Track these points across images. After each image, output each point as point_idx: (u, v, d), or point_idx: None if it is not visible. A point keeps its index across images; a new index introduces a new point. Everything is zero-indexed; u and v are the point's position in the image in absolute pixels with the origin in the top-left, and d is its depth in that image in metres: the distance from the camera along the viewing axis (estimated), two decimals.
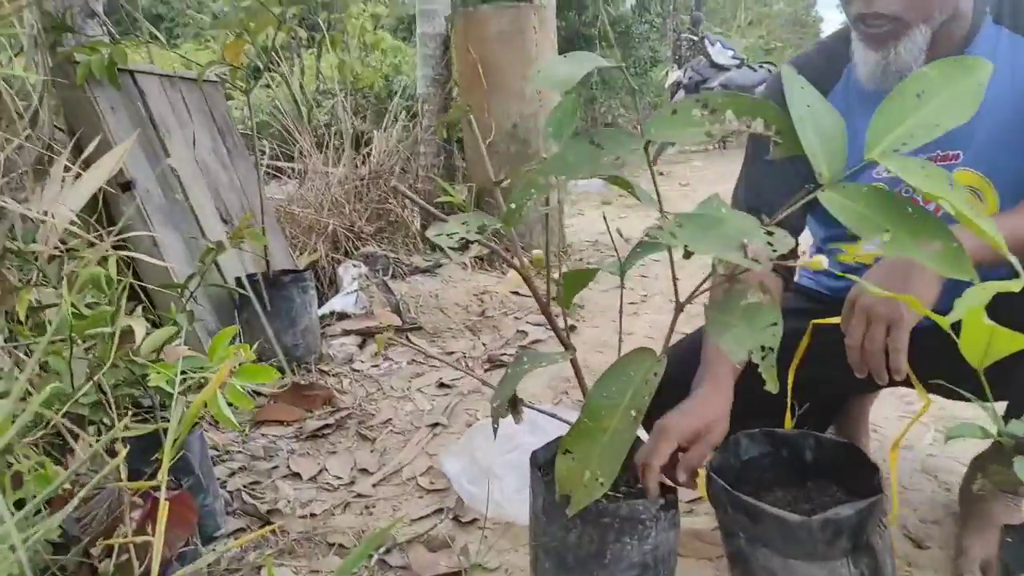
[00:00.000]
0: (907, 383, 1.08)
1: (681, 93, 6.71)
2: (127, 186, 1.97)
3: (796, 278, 1.46)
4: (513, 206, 0.79)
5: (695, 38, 7.40)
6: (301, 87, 6.15)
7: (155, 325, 1.63)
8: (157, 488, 0.95)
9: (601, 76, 9.07)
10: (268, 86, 5.37)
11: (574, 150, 0.74)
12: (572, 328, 2.38)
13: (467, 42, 3.12)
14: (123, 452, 0.89)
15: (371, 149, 3.33)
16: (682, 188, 5.54)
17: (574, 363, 1.02)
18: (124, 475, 0.92)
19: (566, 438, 0.85)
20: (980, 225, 0.68)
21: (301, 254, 2.70)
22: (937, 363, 1.06)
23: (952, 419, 1.66)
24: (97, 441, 0.91)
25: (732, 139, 7.62)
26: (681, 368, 1.26)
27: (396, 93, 4.28)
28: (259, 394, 1.93)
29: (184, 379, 1.05)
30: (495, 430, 0.93)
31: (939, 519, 1.30)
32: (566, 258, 3.23)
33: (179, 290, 1.55)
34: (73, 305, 1.24)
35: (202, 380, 1.18)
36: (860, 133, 0.76)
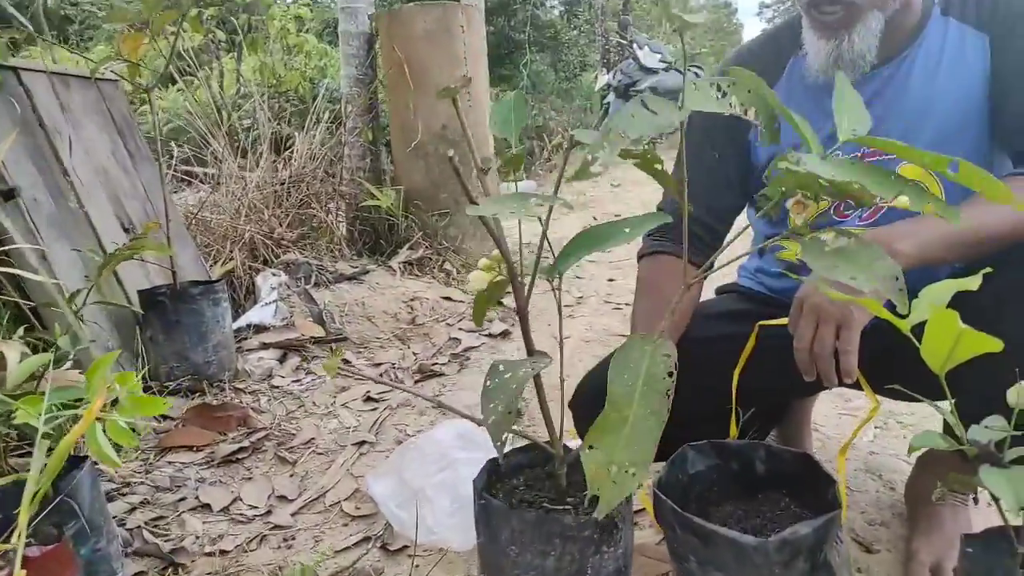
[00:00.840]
0: (855, 385, 1.04)
1: (611, 96, 6.72)
2: (9, 194, 1.77)
3: (735, 279, 1.41)
4: (567, 168, 0.74)
5: (624, 42, 7.45)
6: (220, 90, 5.89)
7: (45, 350, 1.46)
8: (30, 545, 0.81)
9: (531, 80, 9.07)
10: (182, 90, 5.11)
11: (637, 111, 0.72)
12: (506, 334, 2.29)
13: (392, 41, 3.00)
14: None
15: (292, 152, 3.17)
16: (614, 189, 5.54)
17: (536, 379, 0.93)
18: None
19: (589, 434, 0.77)
20: (943, 209, 0.65)
21: (215, 263, 2.52)
22: (886, 363, 1.01)
23: (890, 414, 1.65)
24: None
25: (661, 140, 7.70)
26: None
27: (319, 96, 4.12)
28: (166, 417, 1.77)
29: (62, 413, 0.91)
30: (500, 450, 0.82)
31: (886, 520, 1.26)
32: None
33: (64, 309, 1.38)
34: None
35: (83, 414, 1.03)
36: (791, 129, 0.73)
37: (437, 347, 2.22)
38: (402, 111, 3.03)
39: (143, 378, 1.88)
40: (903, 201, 0.68)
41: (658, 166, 0.80)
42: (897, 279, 0.67)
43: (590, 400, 1.16)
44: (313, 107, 3.55)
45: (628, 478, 0.76)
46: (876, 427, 1.60)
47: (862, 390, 1.08)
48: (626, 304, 2.59)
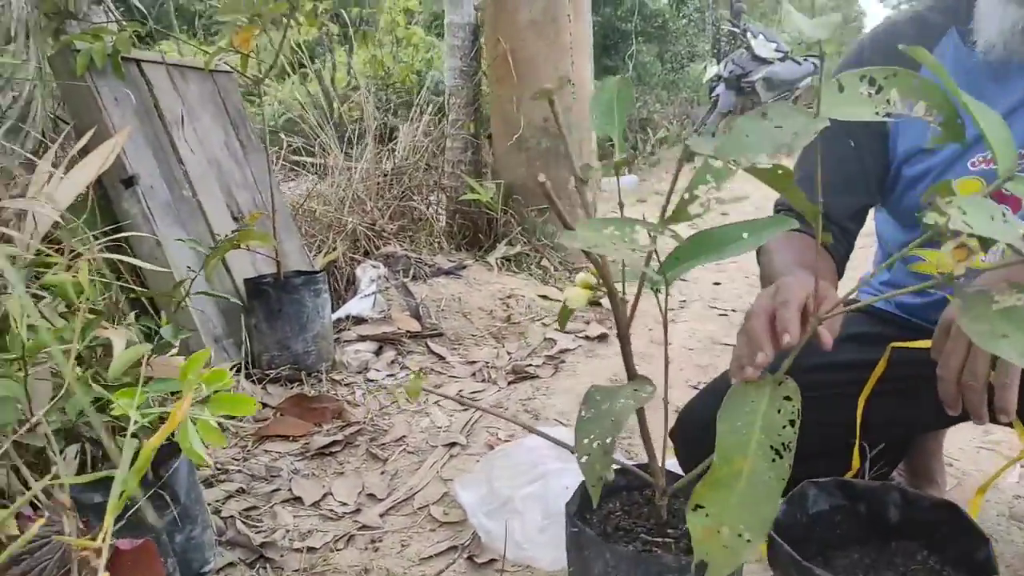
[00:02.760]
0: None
1: (721, 87, 6.45)
2: (129, 182, 1.84)
3: (858, 293, 1.27)
4: (687, 196, 0.65)
5: (736, 30, 7.14)
6: (332, 83, 6.06)
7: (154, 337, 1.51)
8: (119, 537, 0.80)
9: (636, 71, 8.86)
10: (296, 83, 5.29)
11: (751, 127, 0.62)
12: (603, 337, 2.20)
13: (497, 31, 2.95)
14: (66, 500, 0.74)
15: (396, 143, 3.19)
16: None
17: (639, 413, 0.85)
18: (71, 527, 0.78)
19: (697, 490, 0.69)
20: None
21: (318, 253, 2.56)
22: None
23: None
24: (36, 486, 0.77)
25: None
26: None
27: (425, 87, 4.14)
28: (266, 405, 1.80)
29: (152, 411, 0.91)
30: (595, 493, 0.75)
31: None
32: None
33: (171, 298, 1.41)
34: (46, 318, 1.11)
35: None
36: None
37: (532, 347, 2.16)
38: (505, 104, 2.98)
39: (246, 364, 1.92)
40: None
41: (790, 183, 0.69)
42: None
43: (695, 431, 1.06)
44: (418, 99, 3.57)
45: (742, 543, 0.66)
46: (1023, 465, 1.42)
47: (1011, 427, 0.94)
48: (732, 310, 2.45)
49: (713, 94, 6.65)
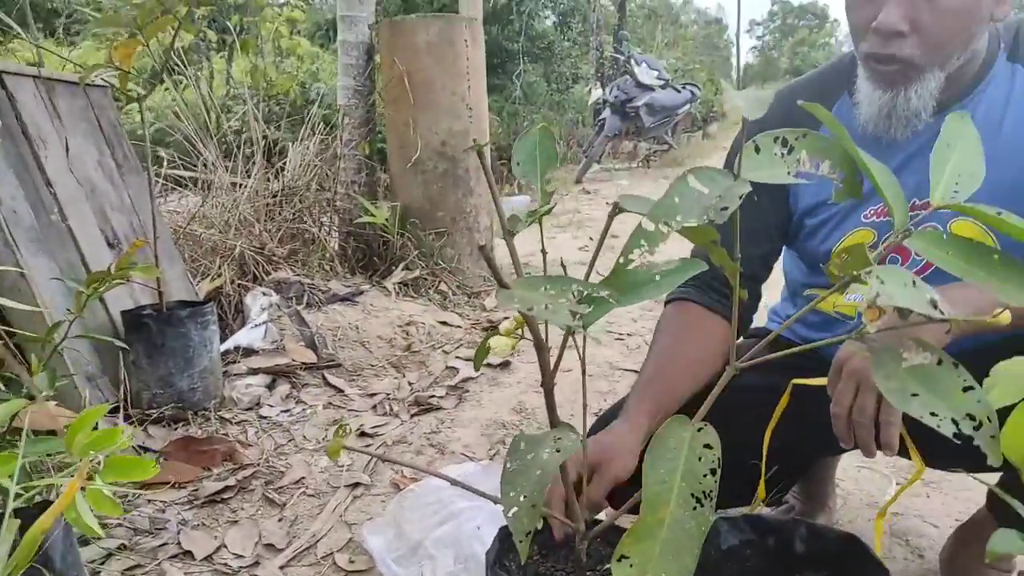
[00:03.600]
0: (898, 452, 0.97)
1: (607, 111, 6.68)
2: None
3: (762, 324, 1.34)
4: (622, 260, 0.65)
5: (621, 57, 7.41)
6: (209, 92, 5.77)
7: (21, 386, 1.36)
8: None
9: (523, 91, 9.02)
10: (169, 90, 4.99)
11: (680, 193, 0.64)
12: (506, 365, 2.21)
13: (393, 53, 2.92)
14: None
15: (285, 162, 3.07)
16: (608, 205, 5.48)
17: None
18: None
19: (623, 541, 0.69)
20: None
21: (203, 279, 2.42)
22: (931, 431, 0.94)
23: (911, 468, 1.58)
24: None
25: (656, 158, 7.66)
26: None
27: (314, 102, 4.01)
28: (147, 450, 1.67)
29: (33, 484, 0.81)
30: (523, 549, 0.73)
31: None
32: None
33: (41, 343, 1.28)
34: None
35: (61, 465, 0.94)
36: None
37: (434, 377, 2.13)
38: (401, 126, 2.95)
39: (124, 404, 1.78)
40: (1004, 318, 0.61)
41: (714, 240, 0.71)
42: (990, 420, 0.57)
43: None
44: (308, 115, 3.46)
45: None
46: (897, 482, 1.53)
47: (903, 458, 1.01)
48: (628, 334, 2.52)
49: (599, 118, 6.88)
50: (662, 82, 6.68)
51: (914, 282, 0.59)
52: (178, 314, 1.86)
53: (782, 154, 0.69)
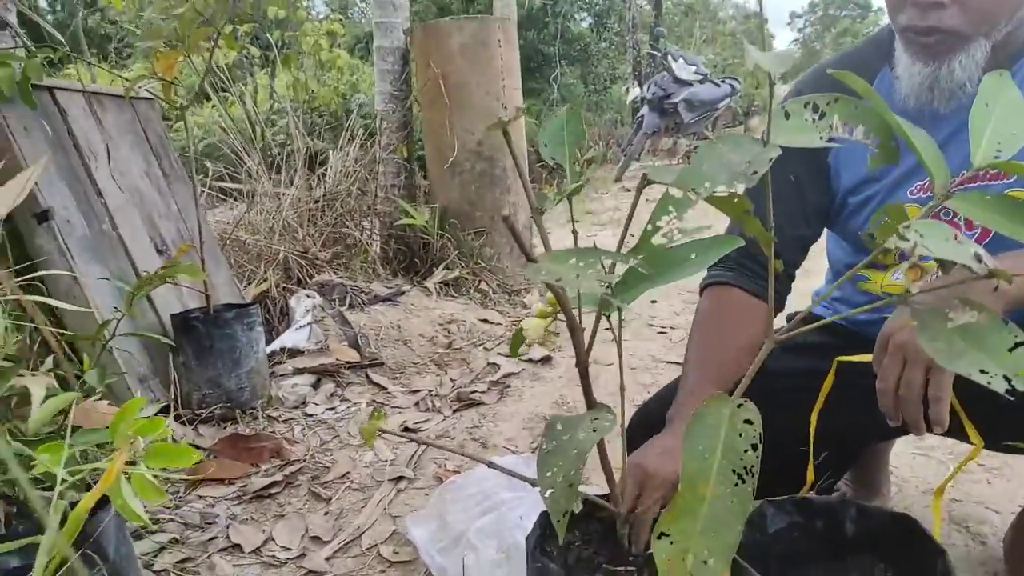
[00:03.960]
0: (948, 432, 0.93)
1: (645, 108, 6.62)
2: (43, 216, 1.73)
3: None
4: (650, 228, 0.64)
5: (657, 54, 7.35)
6: (255, 106, 5.92)
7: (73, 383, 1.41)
8: None
9: (561, 93, 9.01)
10: (216, 107, 5.14)
11: (708, 159, 0.62)
12: (547, 360, 2.20)
13: (428, 56, 2.94)
14: None
15: (326, 169, 3.13)
16: (649, 203, 5.43)
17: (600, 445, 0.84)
18: None
19: (662, 518, 0.68)
20: None
21: (249, 284, 2.47)
22: (988, 407, 0.90)
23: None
24: None
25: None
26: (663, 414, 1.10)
27: (353, 111, 4.06)
28: (197, 448, 1.71)
29: (81, 467, 0.84)
30: (560, 528, 0.73)
31: None
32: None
33: (92, 341, 1.32)
34: None
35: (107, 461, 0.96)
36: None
37: (475, 373, 2.13)
38: (438, 128, 2.97)
39: (175, 405, 1.82)
40: None
41: (748, 211, 0.69)
42: None
43: (646, 434, 1.06)
44: (347, 123, 3.51)
45: (707, 570, 0.65)
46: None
47: (953, 437, 0.97)
48: (671, 327, 2.49)
49: (638, 115, 6.82)
50: (700, 77, 6.59)
51: (956, 236, 0.57)
52: (225, 316, 1.90)
53: (813, 119, 0.67)
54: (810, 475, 1.05)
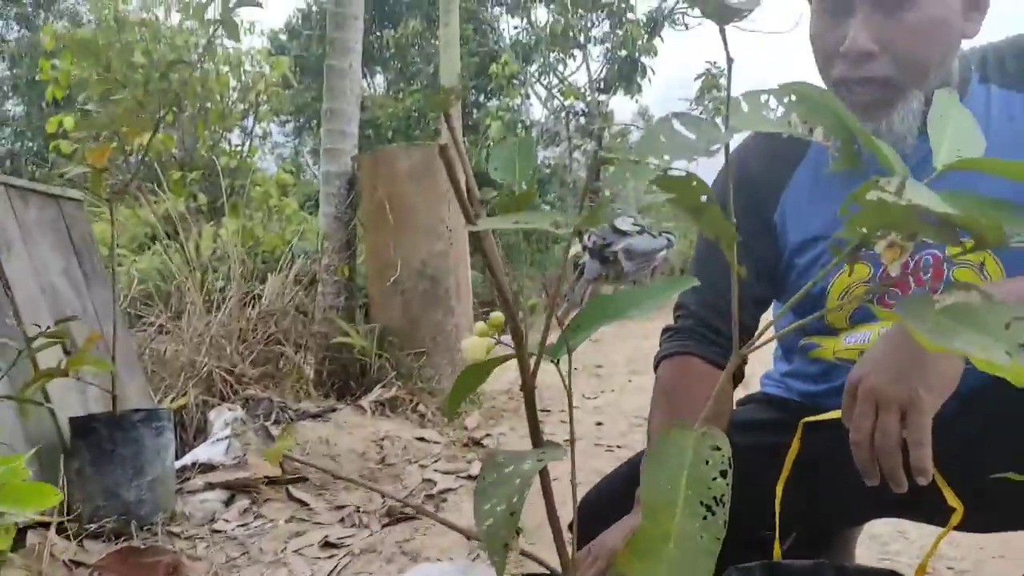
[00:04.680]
0: (921, 495, 0.84)
1: (586, 256, 6.85)
2: None
3: (760, 386, 1.25)
4: (608, 193, 0.58)
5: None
6: (196, 252, 5.85)
7: None
8: None
9: (504, 250, 9.29)
10: (156, 253, 5.06)
11: (666, 133, 0.58)
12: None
13: (375, 180, 2.99)
14: None
15: (263, 290, 3.04)
16: (593, 342, 5.44)
17: (543, 479, 0.73)
18: None
19: (618, 558, 0.56)
20: None
21: (165, 398, 2.28)
22: (965, 463, 0.83)
23: (939, 558, 1.41)
24: None
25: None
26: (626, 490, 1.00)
27: (295, 257, 3.93)
28: (79, 564, 1.47)
29: None
30: (500, 566, 0.60)
31: None
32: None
33: None
34: None
35: None
36: (827, 210, 0.60)
37: (409, 489, 1.96)
38: (381, 248, 2.96)
39: (59, 516, 1.59)
40: None
41: (703, 198, 0.65)
42: None
43: (599, 516, 0.95)
44: (287, 249, 3.48)
45: None
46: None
47: (927, 500, 0.88)
48: (618, 446, 2.38)
49: (580, 263, 7.03)
50: (638, 228, 6.91)
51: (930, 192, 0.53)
52: (131, 418, 1.72)
53: (771, 110, 0.65)
54: (776, 551, 0.94)
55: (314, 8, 15.19)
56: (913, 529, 1.52)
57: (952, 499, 0.83)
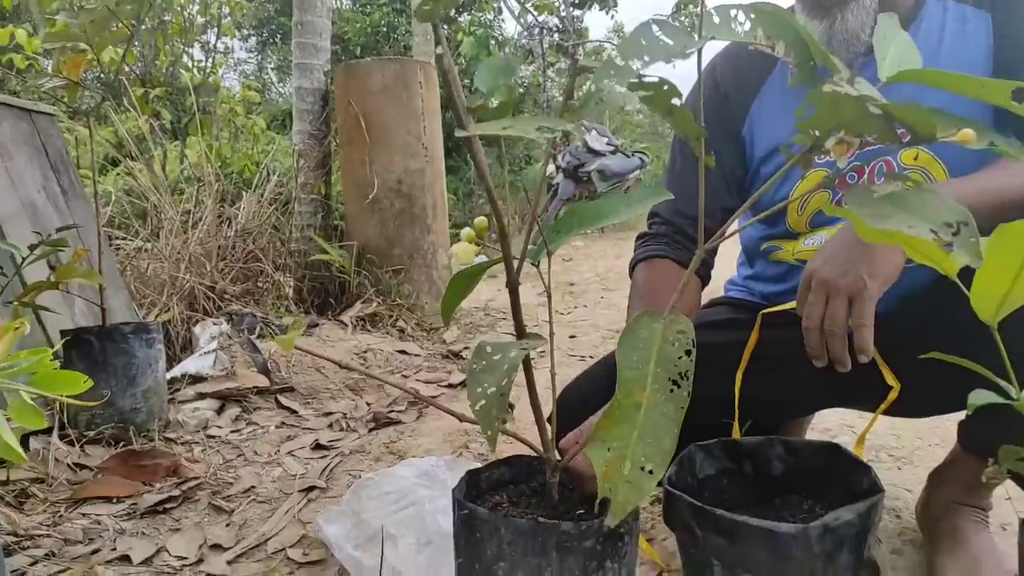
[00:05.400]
0: (869, 380, 0.95)
1: (559, 176, 6.86)
2: None
3: (724, 291, 1.34)
4: (594, 88, 0.65)
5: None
6: (164, 172, 5.74)
7: None
8: None
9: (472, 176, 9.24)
10: (121, 175, 4.93)
11: (644, 35, 0.64)
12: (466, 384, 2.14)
13: (348, 95, 2.96)
14: None
15: (239, 208, 3.04)
16: (565, 263, 5.54)
17: (526, 368, 0.82)
18: None
19: (599, 423, 0.65)
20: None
21: (149, 314, 2.33)
22: (904, 352, 0.93)
23: (880, 448, 1.56)
24: None
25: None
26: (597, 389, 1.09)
27: (269, 172, 3.89)
28: (82, 467, 1.55)
29: None
30: (492, 440, 0.69)
31: (898, 548, 1.15)
32: (454, 320, 3.02)
33: None
34: None
35: None
36: (792, 120, 0.67)
37: (392, 397, 2.05)
38: (357, 165, 2.96)
39: (60, 424, 1.66)
40: (967, 135, 0.61)
41: (676, 101, 0.71)
42: (966, 225, 0.56)
43: (575, 411, 1.04)
44: (260, 168, 3.46)
45: (645, 476, 0.64)
46: (868, 459, 1.51)
47: (868, 388, 0.99)
48: (590, 356, 2.49)
49: (553, 183, 7.05)
50: (612, 148, 6.91)
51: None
52: (121, 330, 1.77)
53: (739, 25, 0.70)
54: (736, 434, 1.05)
55: None
56: (860, 422, 1.66)
57: (890, 378, 0.94)
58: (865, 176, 1.03)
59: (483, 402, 0.73)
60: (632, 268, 1.19)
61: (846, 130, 0.64)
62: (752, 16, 0.70)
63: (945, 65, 0.98)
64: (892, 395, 0.91)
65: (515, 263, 0.81)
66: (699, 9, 0.69)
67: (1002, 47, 0.95)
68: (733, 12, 0.69)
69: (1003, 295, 0.61)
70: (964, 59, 0.96)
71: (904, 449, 1.52)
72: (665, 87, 0.68)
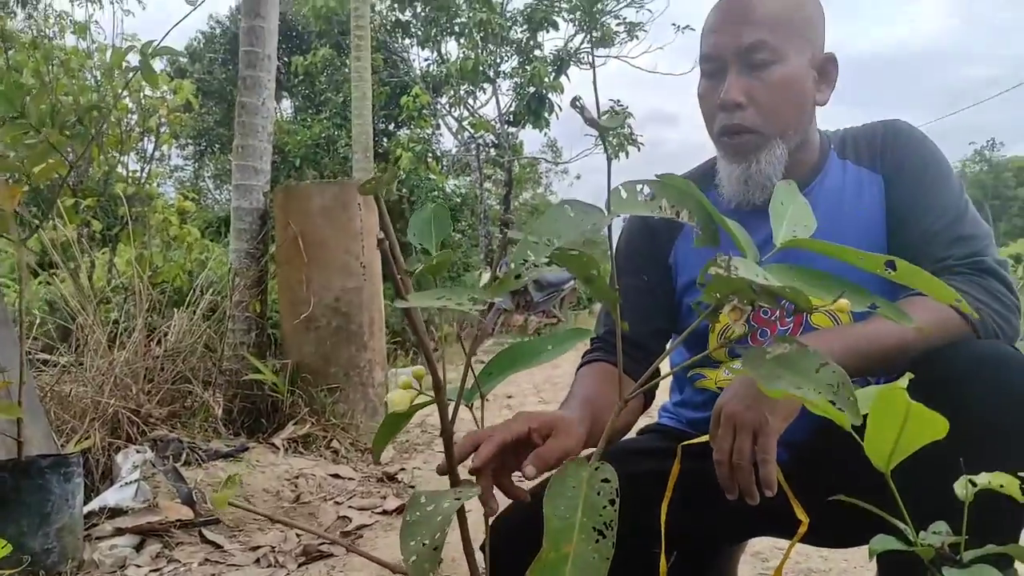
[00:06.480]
0: (778, 514, 0.99)
1: None
2: None
3: (658, 417, 1.39)
4: (513, 266, 0.70)
5: (507, 239, 7.90)
6: (90, 282, 5.59)
7: None
8: None
9: (416, 279, 9.33)
10: (43, 283, 4.79)
11: (559, 219, 0.71)
12: (401, 509, 2.10)
13: (288, 216, 3.01)
14: None
15: (169, 327, 2.99)
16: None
17: (459, 512, 0.83)
18: None
19: (528, 573, 0.66)
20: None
21: (68, 441, 2.22)
22: (821, 483, 0.99)
23: (809, 572, 1.59)
24: None
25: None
26: None
27: (198, 289, 3.83)
28: None
29: None
30: None
31: None
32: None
33: None
34: None
35: None
36: (707, 256, 0.75)
37: (324, 527, 1.99)
38: (294, 284, 2.98)
39: None
40: (842, 305, 0.69)
41: (594, 271, 0.78)
42: (844, 386, 0.64)
43: (513, 535, 1.05)
44: (193, 285, 3.43)
45: None
46: None
47: (784, 519, 1.03)
48: None
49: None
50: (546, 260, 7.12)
51: (763, 274, 0.68)
52: (38, 464, 1.69)
53: (645, 198, 0.79)
54: (663, 569, 1.07)
55: (217, 31, 14.87)
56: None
57: (800, 512, 0.99)
58: (776, 314, 1.12)
59: (414, 557, 0.74)
60: (578, 369, 1.23)
61: (739, 298, 0.72)
62: (658, 188, 0.79)
63: (847, 220, 1.10)
64: (801, 529, 0.95)
65: (449, 409, 0.85)
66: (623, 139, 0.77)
67: (892, 209, 1.08)
68: (639, 187, 0.78)
69: (892, 446, 0.68)
70: (863, 216, 1.08)
71: (831, 572, 1.56)
72: (584, 258, 0.75)
